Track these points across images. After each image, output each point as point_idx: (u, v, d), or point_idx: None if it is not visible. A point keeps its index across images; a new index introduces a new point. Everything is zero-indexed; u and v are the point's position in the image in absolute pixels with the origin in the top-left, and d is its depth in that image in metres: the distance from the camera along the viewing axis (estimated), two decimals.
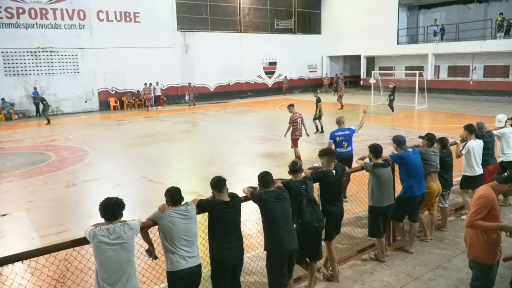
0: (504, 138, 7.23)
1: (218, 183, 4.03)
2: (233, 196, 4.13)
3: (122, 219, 3.50)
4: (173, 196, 3.81)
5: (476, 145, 6.56)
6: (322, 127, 15.26)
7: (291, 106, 11.17)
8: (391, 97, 19.79)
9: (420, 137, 6.21)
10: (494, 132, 7.22)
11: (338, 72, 34.91)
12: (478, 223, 3.64)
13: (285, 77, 32.38)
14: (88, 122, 20.40)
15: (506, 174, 3.72)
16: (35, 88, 22.22)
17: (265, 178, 4.27)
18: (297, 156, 10.66)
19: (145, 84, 24.38)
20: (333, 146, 7.61)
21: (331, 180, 4.84)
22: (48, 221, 7.52)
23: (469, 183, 6.71)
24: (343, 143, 7.75)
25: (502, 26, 24.64)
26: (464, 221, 6.54)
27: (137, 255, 3.96)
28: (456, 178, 7.15)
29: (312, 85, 34.25)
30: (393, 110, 19.80)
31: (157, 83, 25.40)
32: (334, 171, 4.88)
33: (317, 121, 15.28)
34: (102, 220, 3.49)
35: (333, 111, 20.95)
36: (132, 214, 4.28)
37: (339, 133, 7.80)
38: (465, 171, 6.71)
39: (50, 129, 18.17)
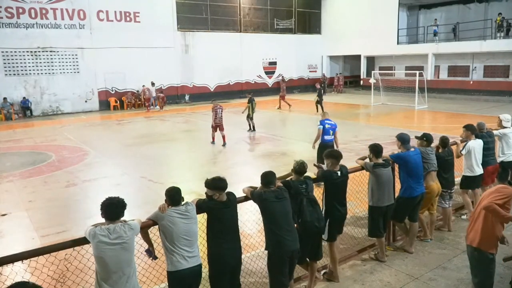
0: (504, 138, 7.22)
1: (221, 183, 4.00)
2: (229, 195, 4.12)
3: (122, 219, 3.51)
4: (173, 196, 3.80)
5: (476, 145, 6.55)
6: (253, 126, 15.98)
7: (214, 100, 14.49)
8: (320, 97, 20.37)
9: (416, 137, 6.19)
10: (495, 132, 7.21)
11: (339, 71, 34.90)
12: (497, 208, 3.76)
13: (282, 77, 32.00)
14: (88, 122, 20.39)
15: None
16: (24, 98, 21.99)
17: (268, 177, 4.27)
18: (212, 138, 13.79)
19: (143, 86, 24.46)
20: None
21: (336, 180, 4.84)
22: (48, 221, 7.52)
23: (469, 183, 6.71)
24: (330, 131, 8.76)
25: (502, 26, 24.63)
26: (464, 221, 6.58)
27: (137, 255, 3.96)
28: (457, 178, 7.14)
29: (312, 85, 34.19)
30: (320, 109, 19.84)
31: (152, 84, 24.89)
32: (339, 172, 4.88)
33: (249, 119, 16.01)
34: (102, 220, 3.49)
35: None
36: (132, 214, 4.28)
37: (328, 122, 8.81)
38: (465, 171, 6.70)
39: (50, 129, 18.16)
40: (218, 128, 13.54)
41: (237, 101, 28.34)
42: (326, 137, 8.67)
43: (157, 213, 3.76)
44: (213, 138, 13.83)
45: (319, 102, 20.45)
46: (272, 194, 4.19)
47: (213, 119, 13.53)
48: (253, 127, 16.05)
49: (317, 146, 8.91)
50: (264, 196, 4.17)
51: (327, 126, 8.67)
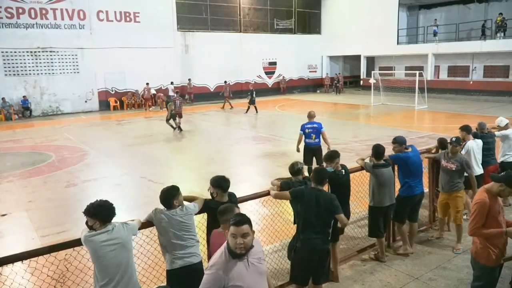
0: (508, 139, 7.21)
1: (225, 183, 4.00)
2: (230, 195, 4.11)
3: (117, 219, 3.48)
4: (165, 200, 3.77)
5: (475, 145, 6.53)
6: (179, 127, 16.45)
7: (177, 92, 18.62)
8: (252, 98, 21.21)
9: (451, 142, 5.83)
10: (496, 133, 7.21)
11: (338, 71, 34.90)
12: (481, 232, 3.64)
13: (283, 77, 32.37)
14: (88, 122, 20.39)
15: (502, 173, 3.72)
16: (24, 96, 22.04)
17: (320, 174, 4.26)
18: (173, 123, 16.51)
19: (145, 83, 24.52)
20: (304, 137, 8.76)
21: (341, 179, 4.88)
22: (48, 221, 7.52)
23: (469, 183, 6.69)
24: (312, 135, 8.71)
25: (502, 26, 24.60)
26: (464, 221, 6.57)
27: (137, 255, 3.96)
28: None
29: (312, 85, 34.33)
30: (251, 110, 21.22)
31: (171, 83, 25.74)
32: (343, 171, 4.93)
33: (171, 121, 16.46)
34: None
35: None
36: (132, 214, 4.29)
37: (309, 126, 8.76)
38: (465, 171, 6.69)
39: (50, 129, 18.15)
40: (178, 116, 16.56)
41: (237, 101, 28.36)
42: (308, 141, 8.76)
43: (150, 215, 3.77)
44: (176, 125, 16.81)
45: (251, 102, 21.30)
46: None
47: (174, 109, 16.63)
48: (178, 127, 16.51)
49: (302, 149, 8.93)
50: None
51: (307, 131, 8.73)
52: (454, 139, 5.77)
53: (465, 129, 6.62)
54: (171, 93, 25.46)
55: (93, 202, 3.38)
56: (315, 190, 4.15)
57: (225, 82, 26.32)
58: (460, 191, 5.74)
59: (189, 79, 27.23)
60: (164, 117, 20.88)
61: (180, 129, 16.51)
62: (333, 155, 5.01)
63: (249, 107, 21.58)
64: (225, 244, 2.71)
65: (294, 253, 4.25)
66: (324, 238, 4.13)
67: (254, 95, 21.46)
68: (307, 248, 4.10)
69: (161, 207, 3.82)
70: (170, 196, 3.77)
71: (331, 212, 4.11)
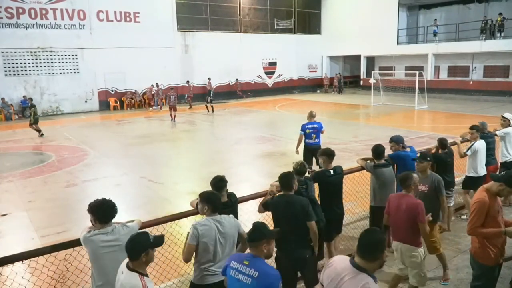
0: (507, 138, 7.16)
1: (219, 183, 3.98)
2: (230, 195, 4.11)
3: (115, 220, 3.44)
4: (215, 203, 3.55)
5: (481, 146, 6.50)
6: (39, 131, 15.89)
7: (171, 89, 20.62)
8: (209, 98, 22.39)
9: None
10: (497, 132, 7.17)
11: (338, 71, 34.87)
12: (480, 231, 3.64)
13: (236, 79, 30.12)
14: (88, 122, 20.38)
15: (502, 173, 3.73)
16: (24, 96, 21.83)
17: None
18: (171, 116, 18.94)
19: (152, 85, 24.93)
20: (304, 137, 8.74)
21: (328, 179, 4.82)
22: (48, 221, 7.51)
23: (472, 183, 6.59)
24: (312, 135, 8.73)
25: (502, 26, 24.56)
26: (464, 221, 6.57)
27: None
28: (457, 179, 7.12)
29: (312, 85, 34.32)
30: (210, 110, 22.22)
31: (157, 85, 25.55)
32: (332, 171, 4.86)
33: (33, 125, 15.97)
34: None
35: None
36: (132, 214, 4.29)
37: (309, 126, 8.77)
38: (469, 172, 6.61)
39: (50, 129, 18.14)
40: (172, 109, 18.76)
41: (237, 101, 28.40)
42: (308, 141, 8.76)
43: (194, 234, 3.41)
44: (171, 117, 18.91)
45: (208, 101, 22.27)
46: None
47: (167, 102, 19.11)
48: (39, 131, 16.00)
49: (301, 150, 8.91)
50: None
51: (308, 131, 8.73)
52: (419, 154, 4.96)
53: (478, 129, 6.58)
54: (160, 94, 25.56)
55: (97, 199, 3.37)
56: (283, 197, 4.06)
57: (187, 82, 26.00)
58: (436, 223, 4.76)
59: (209, 78, 26.37)
60: (164, 117, 20.89)
61: (42, 134, 15.89)
62: (323, 152, 5.01)
63: (212, 107, 22.23)
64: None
65: (275, 261, 4.17)
66: (302, 245, 4.01)
67: (211, 96, 22.56)
68: (284, 255, 4.03)
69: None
70: (219, 198, 3.63)
71: (303, 218, 3.97)
